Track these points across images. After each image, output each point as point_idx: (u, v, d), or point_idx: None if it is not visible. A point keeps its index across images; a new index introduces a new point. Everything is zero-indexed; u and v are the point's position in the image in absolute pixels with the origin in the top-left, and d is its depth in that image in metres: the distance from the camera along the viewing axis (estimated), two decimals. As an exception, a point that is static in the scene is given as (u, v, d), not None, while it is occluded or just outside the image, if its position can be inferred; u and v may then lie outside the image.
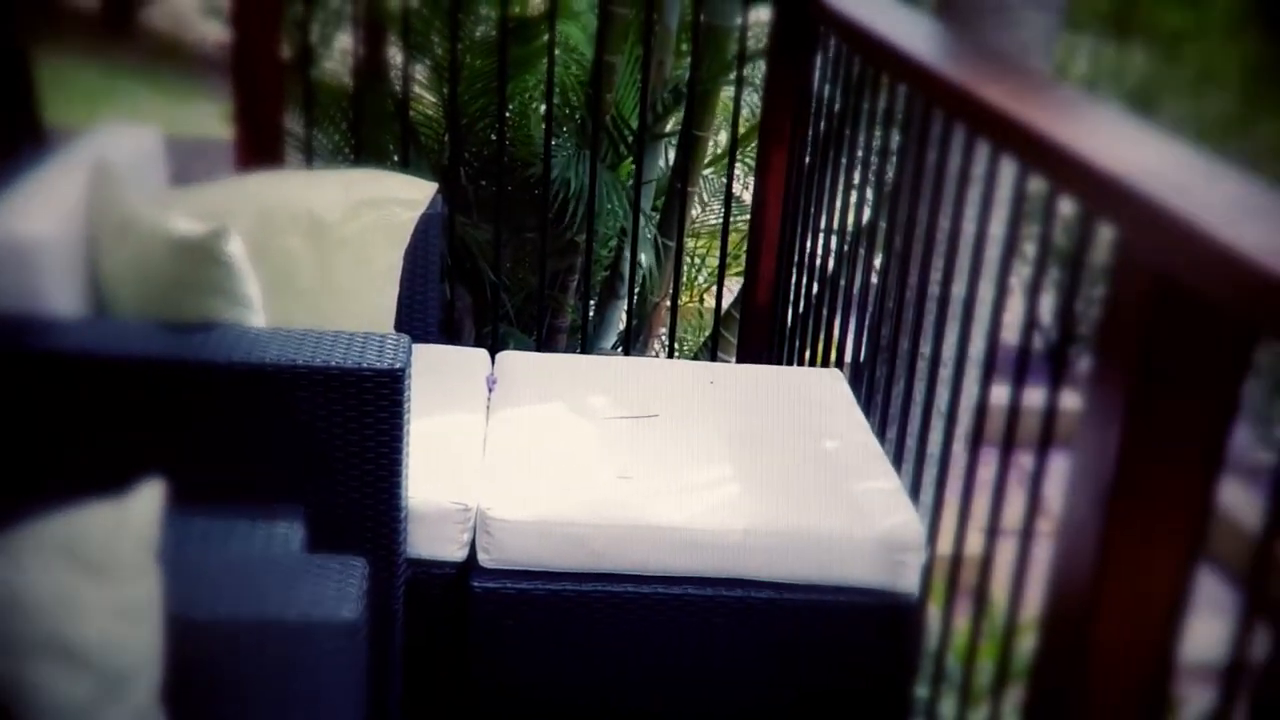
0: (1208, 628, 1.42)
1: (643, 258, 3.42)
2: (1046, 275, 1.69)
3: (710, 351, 3.39)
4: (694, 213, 4.63)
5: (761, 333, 3.01)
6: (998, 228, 1.76)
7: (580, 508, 1.87)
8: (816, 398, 2.35)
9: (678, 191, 3.32)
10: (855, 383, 2.44)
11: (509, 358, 2.41)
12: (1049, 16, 2.57)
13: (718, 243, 3.64)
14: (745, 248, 3.09)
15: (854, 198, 2.47)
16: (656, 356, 3.83)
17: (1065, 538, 1.41)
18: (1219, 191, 1.28)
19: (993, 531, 1.72)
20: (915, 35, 2.28)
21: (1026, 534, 1.61)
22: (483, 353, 2.40)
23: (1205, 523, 1.27)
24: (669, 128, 3.69)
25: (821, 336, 2.69)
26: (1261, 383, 4.97)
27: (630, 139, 3.41)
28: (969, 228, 1.87)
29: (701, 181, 4.26)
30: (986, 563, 1.72)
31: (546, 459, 2.01)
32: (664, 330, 3.75)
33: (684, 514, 1.87)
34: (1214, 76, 9.18)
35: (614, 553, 1.84)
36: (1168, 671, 1.30)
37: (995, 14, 2.57)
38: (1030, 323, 1.71)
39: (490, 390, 2.24)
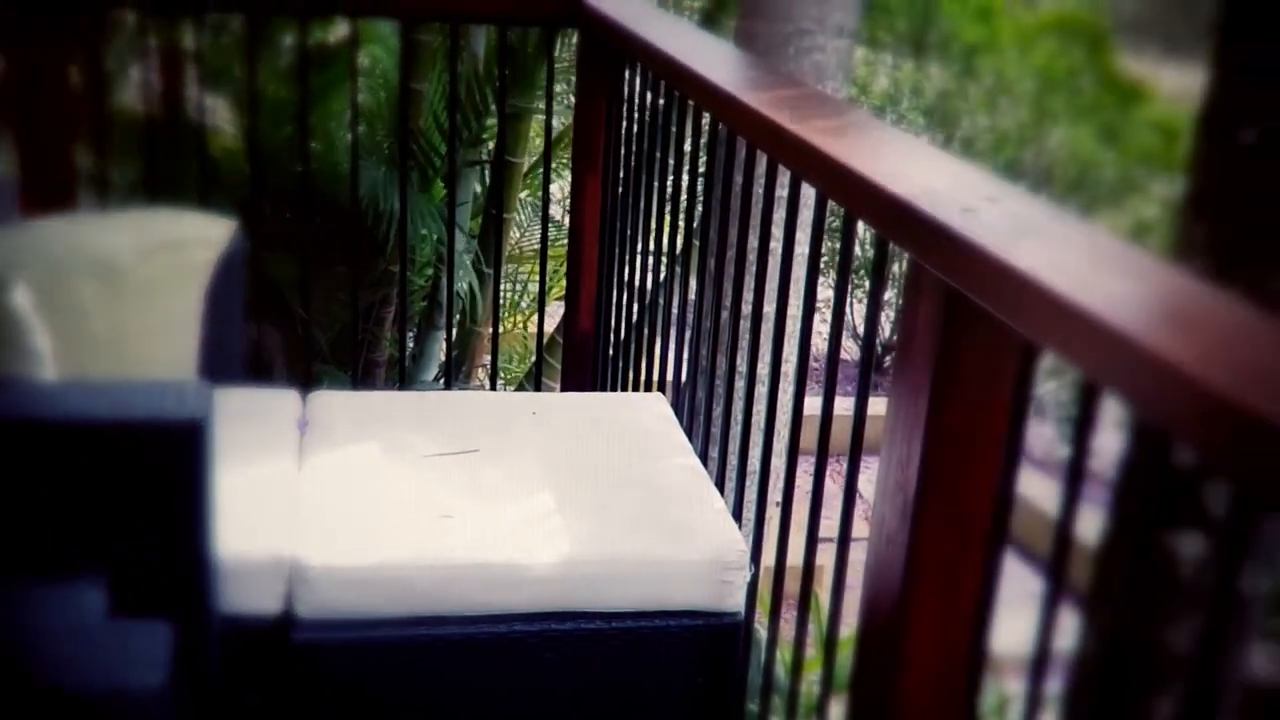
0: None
1: (461, 285, 3.39)
2: (850, 289, 1.73)
3: (534, 380, 3.38)
4: (514, 236, 4.61)
5: (584, 359, 3.01)
6: (806, 247, 1.80)
7: (401, 550, 1.83)
8: (639, 423, 2.36)
9: (493, 217, 3.30)
10: (678, 405, 2.46)
11: (322, 398, 2.35)
12: (844, 41, 2.65)
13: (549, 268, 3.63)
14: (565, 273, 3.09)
15: (668, 220, 2.50)
16: (480, 387, 3.79)
17: (876, 546, 1.45)
18: (1000, 210, 1.33)
19: (811, 541, 1.75)
20: (717, 62, 2.32)
21: (843, 542, 1.64)
22: (293, 394, 2.33)
23: (1007, 523, 1.32)
24: (483, 153, 3.68)
25: (644, 360, 2.71)
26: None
27: (440, 165, 3.38)
28: (776, 247, 1.92)
29: (519, 205, 4.24)
30: (808, 574, 1.76)
31: (363, 502, 1.96)
32: (489, 359, 3.72)
33: (508, 549, 1.85)
34: (1008, 89, 9.65)
35: (439, 594, 1.81)
36: (980, 671, 1.34)
37: (792, 40, 2.63)
38: (836, 335, 1.75)
39: (302, 433, 2.17)
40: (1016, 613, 1.38)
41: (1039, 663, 1.19)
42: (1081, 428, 1.09)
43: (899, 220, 1.40)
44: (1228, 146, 1.73)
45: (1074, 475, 1.11)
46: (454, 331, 3.14)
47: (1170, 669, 1.64)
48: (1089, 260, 1.19)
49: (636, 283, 2.71)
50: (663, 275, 2.59)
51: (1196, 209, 1.77)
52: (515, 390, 3.96)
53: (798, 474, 1.86)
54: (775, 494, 2.35)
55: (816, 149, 1.65)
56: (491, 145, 3.64)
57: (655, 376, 2.64)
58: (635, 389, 2.76)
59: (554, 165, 3.49)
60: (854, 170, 1.54)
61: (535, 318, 3.73)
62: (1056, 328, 1.09)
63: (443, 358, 3.51)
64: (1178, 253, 1.79)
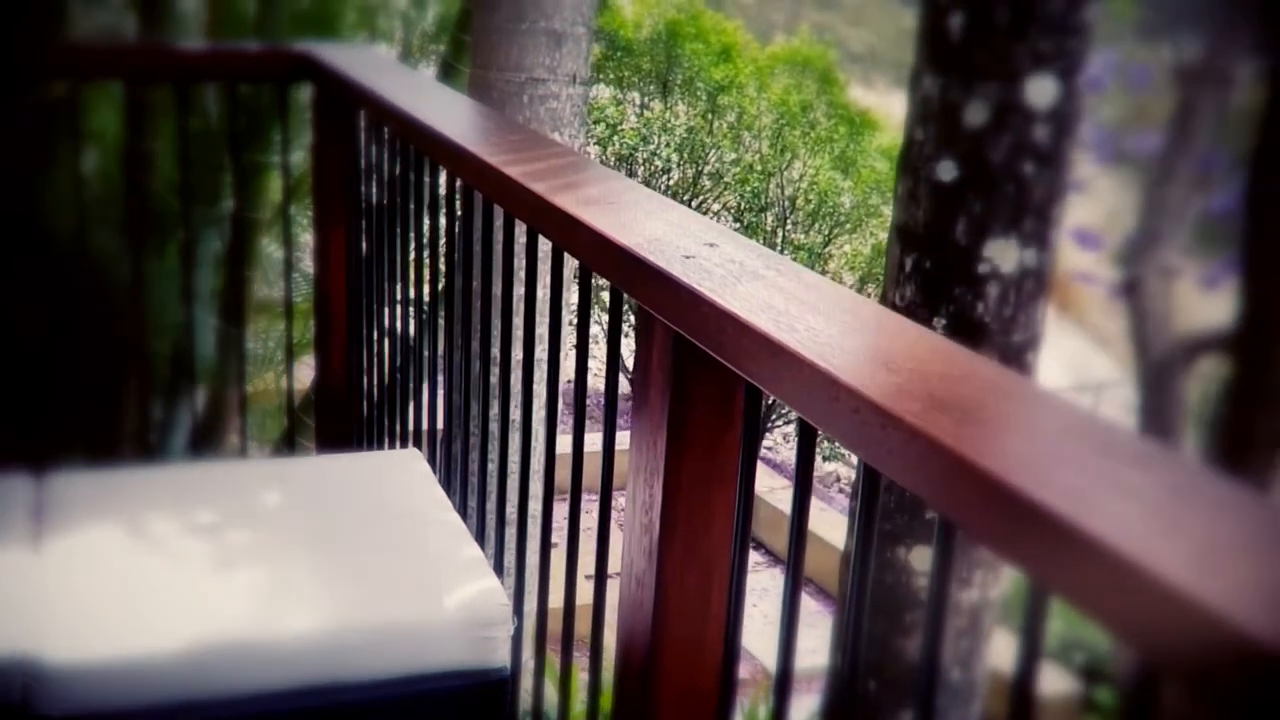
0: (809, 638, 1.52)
1: (206, 347, 3.27)
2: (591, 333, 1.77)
3: (288, 441, 3.29)
4: (265, 292, 4.48)
5: (339, 416, 2.95)
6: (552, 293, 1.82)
7: (148, 636, 1.75)
8: (394, 480, 2.33)
9: (236, 275, 3.21)
10: (436, 459, 2.44)
11: (60, 480, 2.22)
12: (578, 89, 2.70)
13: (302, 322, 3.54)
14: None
15: (415, 273, 2.49)
16: (234, 452, 3.66)
17: (626, 588, 1.48)
18: (719, 255, 1.39)
19: (570, 585, 1.77)
20: (450, 114, 2.33)
21: (600, 582, 1.66)
22: (25, 479, 2.20)
23: (746, 552, 1.37)
24: (222, 210, 3.57)
25: (400, 414, 2.68)
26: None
27: (176, 225, 3.26)
28: (545, 294, 1.94)
29: (265, 261, 4.14)
30: (569, 618, 1.77)
31: (106, 588, 1.86)
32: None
33: (259, 626, 1.79)
34: (750, 124, 10.04)
35: (191, 679, 1.73)
36: (730, 705, 1.39)
37: (527, 89, 2.67)
38: (581, 381, 1.78)
39: (37, 520, 2.05)
40: (803, 634, 1.43)
41: (782, 683, 1.24)
42: (801, 465, 1.14)
43: (628, 270, 1.44)
44: (926, 181, 1.85)
45: (797, 516, 1.16)
46: (202, 397, 3.02)
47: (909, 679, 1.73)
48: (799, 302, 1.26)
49: (389, 335, 2.68)
50: (415, 327, 2.57)
51: (902, 239, 1.89)
52: (273, 452, 3.85)
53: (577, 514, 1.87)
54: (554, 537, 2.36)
55: (549, 203, 1.68)
56: (231, 201, 3.54)
57: (413, 429, 2.61)
58: (394, 443, 2.72)
59: (302, 218, 3.42)
60: (585, 223, 1.57)
61: (307, 373, 3.63)
62: (770, 369, 1.14)
63: (193, 425, 3.37)
64: (890, 281, 1.90)
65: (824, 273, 9.71)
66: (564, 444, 1.88)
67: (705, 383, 1.35)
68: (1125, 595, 0.75)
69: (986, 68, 1.75)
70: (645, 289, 1.41)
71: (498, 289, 2.05)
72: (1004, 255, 1.81)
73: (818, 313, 1.21)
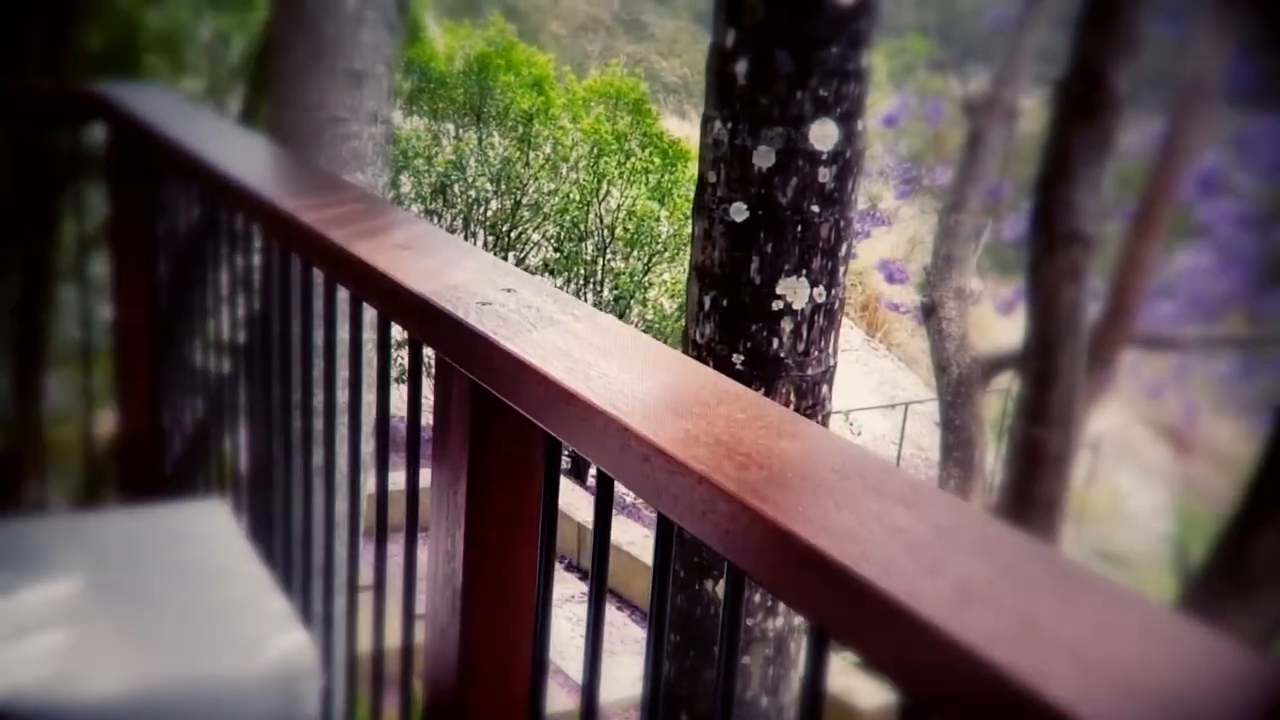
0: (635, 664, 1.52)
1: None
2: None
3: (90, 493, 3.15)
4: (69, 339, 4.29)
5: (143, 467, 2.84)
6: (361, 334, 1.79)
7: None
8: (198, 533, 2.25)
9: (33, 322, 3.06)
10: (242, 508, 2.37)
11: None
12: (379, 127, 2.68)
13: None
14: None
15: (219, 319, 2.42)
16: (33, 506, 3.48)
17: (431, 640, 1.46)
18: (516, 301, 1.39)
19: (378, 632, 1.74)
20: (249, 160, 2.28)
21: (408, 621, 1.64)
22: None
23: (548, 602, 1.37)
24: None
25: (204, 464, 2.60)
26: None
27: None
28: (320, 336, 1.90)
29: (65, 308, 3.96)
30: (378, 668, 1.74)
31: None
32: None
33: (60, 690, 1.71)
34: (565, 154, 10.11)
35: (-28, 756, 1.64)
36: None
37: (327, 128, 2.63)
38: (383, 429, 1.76)
39: None
40: (635, 663, 1.43)
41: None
42: (600, 515, 1.15)
43: (423, 318, 1.43)
44: (720, 222, 1.90)
45: (598, 565, 1.17)
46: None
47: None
48: (593, 348, 1.27)
49: (195, 383, 2.60)
50: (220, 374, 2.50)
51: (700, 278, 1.93)
52: (73, 505, 3.67)
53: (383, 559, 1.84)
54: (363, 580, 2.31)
55: (346, 251, 1.65)
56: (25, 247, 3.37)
57: (220, 478, 2.53)
58: (199, 492, 2.64)
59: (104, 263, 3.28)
60: (380, 270, 1.55)
61: (108, 422, 3.47)
62: (564, 418, 1.15)
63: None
64: (690, 318, 1.94)
65: (645, 301, 9.83)
66: (375, 486, 1.85)
67: (505, 432, 1.35)
68: (893, 637, 0.78)
69: (772, 112, 1.81)
70: (442, 338, 1.40)
71: (300, 334, 2.01)
72: (796, 292, 1.87)
73: (611, 358, 1.23)
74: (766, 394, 1.91)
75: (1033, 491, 4.10)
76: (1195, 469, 13.48)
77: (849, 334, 13.80)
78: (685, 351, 2.01)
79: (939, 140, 6.90)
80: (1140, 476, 12.75)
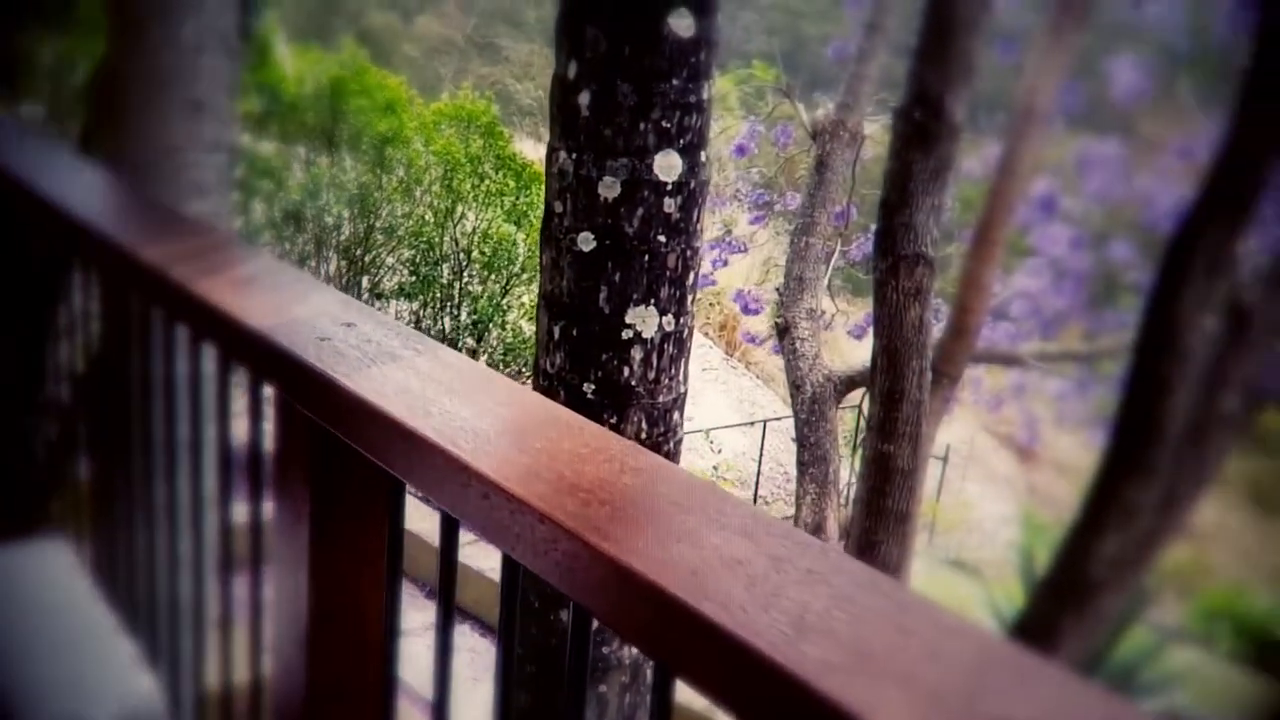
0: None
1: None
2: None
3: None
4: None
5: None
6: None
7: None
8: (39, 574, 2.15)
9: None
10: (87, 547, 2.28)
11: None
12: (220, 156, 2.61)
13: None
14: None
15: (59, 355, 2.33)
16: None
17: (276, 676, 1.42)
18: (356, 335, 1.37)
19: (225, 671, 1.69)
20: (84, 195, 2.20)
21: (255, 665, 1.59)
22: None
23: (396, 636, 1.34)
24: None
25: (47, 502, 2.49)
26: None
27: None
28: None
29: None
30: (226, 707, 1.69)
31: None
32: None
33: None
34: (419, 177, 10.01)
35: None
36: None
37: (167, 159, 2.55)
38: (225, 467, 1.71)
39: None
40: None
41: None
42: (445, 557, 1.13)
43: (262, 356, 1.40)
44: (568, 252, 1.90)
45: (444, 607, 1.15)
46: None
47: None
48: (435, 383, 1.25)
49: (38, 420, 2.49)
50: (64, 411, 2.40)
51: (549, 308, 1.93)
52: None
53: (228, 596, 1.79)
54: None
55: (184, 288, 1.60)
56: None
57: (63, 516, 2.43)
58: (43, 532, 2.52)
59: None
60: (217, 307, 1.51)
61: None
62: (404, 456, 1.13)
63: None
64: (541, 348, 1.94)
65: (503, 324, 9.78)
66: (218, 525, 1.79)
67: (347, 470, 1.33)
68: (732, 671, 0.79)
69: (616, 143, 1.82)
70: (280, 375, 1.37)
71: (139, 371, 1.95)
72: (645, 321, 1.88)
73: (453, 394, 1.22)
74: (618, 423, 1.91)
75: (885, 505, 4.20)
76: (1039, 478, 13.98)
77: (709, 353, 13.96)
78: (536, 381, 2.00)
79: (789, 166, 7.04)
80: (987, 486, 13.18)
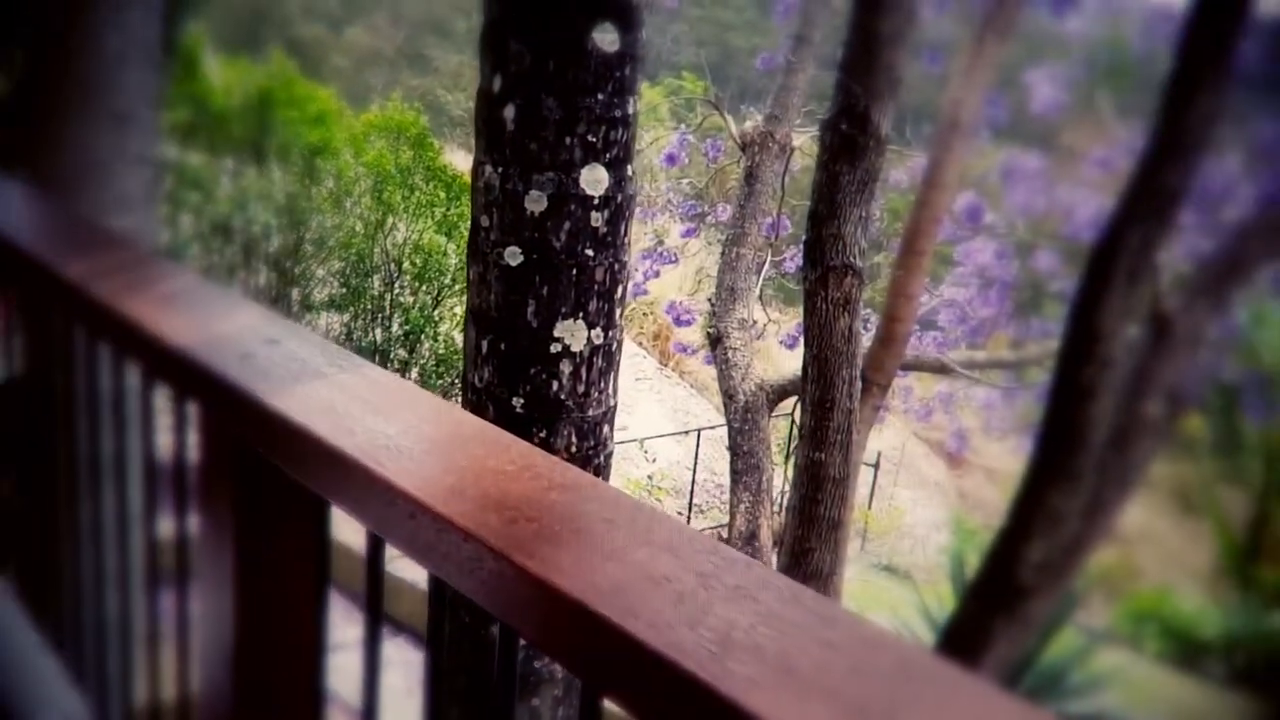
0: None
1: None
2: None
3: None
4: None
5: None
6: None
7: None
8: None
9: None
10: (9, 566, 2.24)
11: None
12: (146, 169, 2.57)
13: None
14: None
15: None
16: None
17: (203, 703, 1.40)
18: (280, 353, 1.35)
19: (153, 689, 1.66)
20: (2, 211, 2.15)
21: (183, 682, 1.57)
22: None
23: (322, 653, 1.33)
24: None
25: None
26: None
27: None
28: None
29: None
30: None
31: None
32: None
33: None
34: (349, 188, 9.92)
35: None
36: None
37: (92, 173, 2.51)
38: (150, 495, 1.68)
39: None
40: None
41: None
42: (371, 578, 1.12)
43: (186, 374, 1.38)
44: (495, 266, 1.89)
45: (371, 629, 1.14)
46: None
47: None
48: (361, 401, 1.24)
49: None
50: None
51: (477, 323, 1.92)
52: None
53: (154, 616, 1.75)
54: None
55: (107, 306, 1.58)
56: None
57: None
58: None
59: None
60: (142, 326, 1.48)
61: None
62: (329, 475, 1.12)
63: None
64: (469, 363, 1.92)
65: (435, 335, 9.71)
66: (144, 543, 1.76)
67: (272, 489, 1.31)
68: (660, 689, 0.79)
69: (542, 158, 1.82)
70: (203, 393, 1.35)
71: (62, 388, 1.91)
72: (574, 335, 1.88)
73: (379, 412, 1.20)
74: (548, 436, 1.91)
75: (817, 512, 4.22)
76: (969, 484, 14.16)
77: (643, 363, 13.99)
78: (465, 396, 1.99)
79: (720, 177, 7.08)
80: (919, 491, 13.32)
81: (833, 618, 0.83)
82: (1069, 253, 5.97)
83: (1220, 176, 5.17)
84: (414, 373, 10.01)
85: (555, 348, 1.87)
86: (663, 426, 12.39)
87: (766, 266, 6.22)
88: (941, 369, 5.65)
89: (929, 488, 13.59)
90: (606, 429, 1.97)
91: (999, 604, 3.45)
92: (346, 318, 9.78)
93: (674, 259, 7.03)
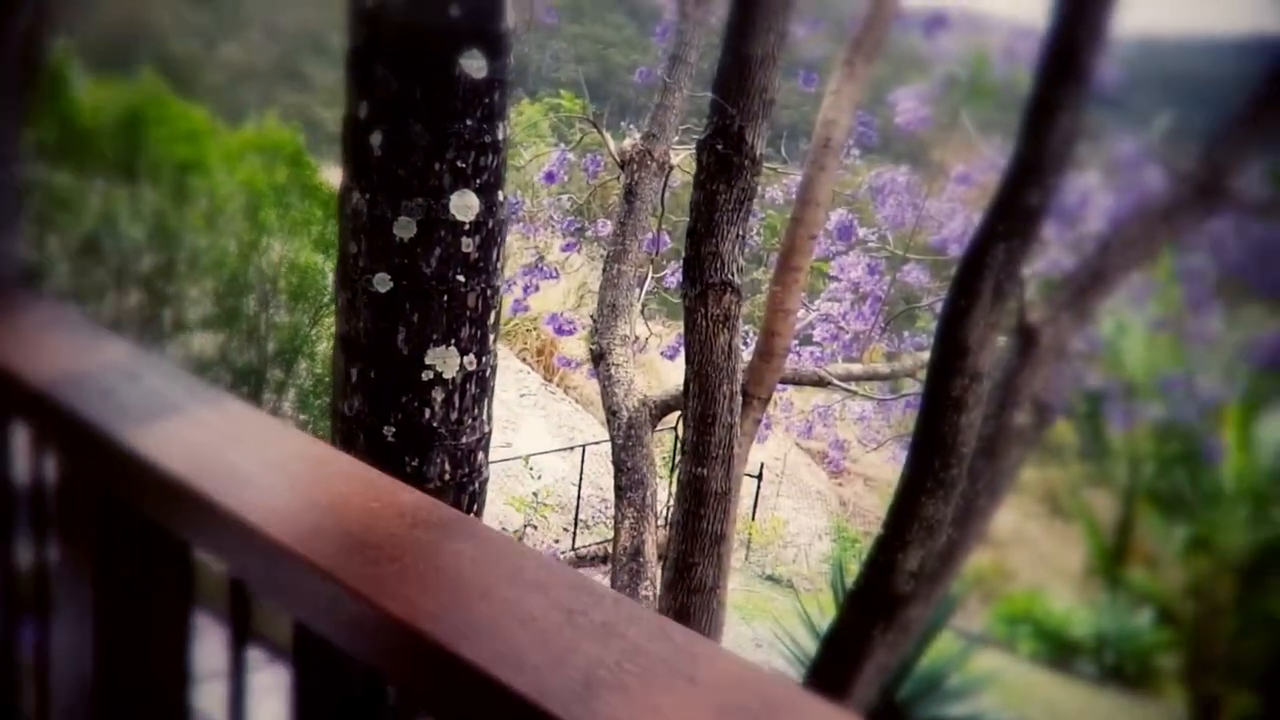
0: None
1: None
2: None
3: None
4: None
5: None
6: None
7: None
8: None
9: None
10: None
11: None
12: (7, 190, 2.47)
13: None
14: None
15: None
16: None
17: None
18: (140, 389, 1.31)
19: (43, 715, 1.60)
20: None
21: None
22: None
23: (188, 687, 1.29)
24: None
25: None
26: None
27: None
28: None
29: None
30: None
31: None
32: None
33: None
34: (222, 207, 9.70)
35: None
36: None
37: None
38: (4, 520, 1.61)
39: None
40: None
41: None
42: (235, 622, 1.09)
43: (43, 413, 1.33)
44: (364, 293, 1.86)
45: (235, 675, 1.11)
46: None
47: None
48: (222, 436, 1.21)
49: None
50: None
51: (346, 350, 1.89)
52: None
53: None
54: None
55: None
56: None
57: None
58: None
59: None
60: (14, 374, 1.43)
61: None
62: (183, 513, 1.09)
63: None
64: (338, 392, 1.89)
65: (313, 355, 9.54)
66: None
67: (130, 528, 1.27)
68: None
69: (410, 184, 1.80)
70: (62, 432, 1.30)
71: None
72: (446, 362, 1.86)
73: (239, 447, 1.18)
74: (421, 466, 1.88)
75: (700, 527, 4.24)
76: (849, 492, 14.40)
77: (527, 379, 13.92)
78: (334, 425, 1.96)
79: (601, 193, 7.09)
80: (801, 501, 13.50)
81: (698, 653, 0.84)
82: (937, 266, 6.12)
83: (1080, 192, 5.35)
84: (291, 393, 9.81)
85: (427, 375, 1.85)
86: (548, 443, 12.34)
87: (648, 282, 6.24)
88: (820, 382, 5.74)
89: (811, 497, 13.77)
90: (481, 456, 1.95)
91: (877, 612, 3.51)
92: (221, 339, 9.55)
93: (555, 274, 7.02)
